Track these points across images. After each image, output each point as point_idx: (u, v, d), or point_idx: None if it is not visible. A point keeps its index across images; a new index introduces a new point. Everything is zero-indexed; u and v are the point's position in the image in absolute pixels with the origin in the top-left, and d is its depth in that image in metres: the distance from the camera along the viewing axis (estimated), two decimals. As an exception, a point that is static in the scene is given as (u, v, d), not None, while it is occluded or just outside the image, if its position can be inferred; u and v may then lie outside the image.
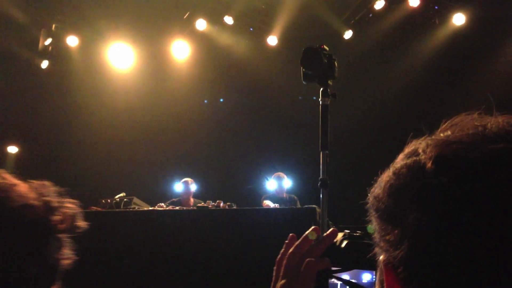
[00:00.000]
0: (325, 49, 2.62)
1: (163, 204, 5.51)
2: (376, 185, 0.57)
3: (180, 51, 8.29)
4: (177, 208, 5.49)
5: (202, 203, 5.35)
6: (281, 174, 6.13)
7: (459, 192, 0.47)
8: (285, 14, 7.60)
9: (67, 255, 0.93)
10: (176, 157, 8.45)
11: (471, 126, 0.52)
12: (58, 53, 8.27)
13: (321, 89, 2.62)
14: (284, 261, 0.82)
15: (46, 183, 0.97)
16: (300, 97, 8.22)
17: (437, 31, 7.53)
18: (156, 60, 8.50)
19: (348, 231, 0.80)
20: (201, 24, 7.86)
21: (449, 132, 0.53)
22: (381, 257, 0.56)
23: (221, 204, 5.12)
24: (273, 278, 0.83)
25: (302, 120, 8.28)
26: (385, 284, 0.55)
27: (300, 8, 7.38)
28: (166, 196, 6.57)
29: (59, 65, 8.42)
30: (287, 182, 6.16)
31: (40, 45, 8.03)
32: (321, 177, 2.62)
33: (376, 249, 0.57)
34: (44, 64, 8.29)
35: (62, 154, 8.26)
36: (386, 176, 0.56)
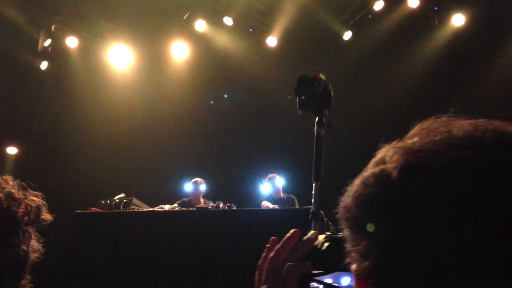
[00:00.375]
0: (321, 78, 2.51)
1: (163, 206, 5.50)
2: (346, 194, 0.56)
3: (180, 51, 8.29)
4: (176, 208, 5.49)
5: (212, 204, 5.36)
6: (272, 174, 6.14)
7: (424, 203, 0.46)
8: (285, 15, 7.60)
9: (35, 248, 0.92)
10: (175, 158, 8.45)
11: (438, 132, 0.51)
12: (57, 54, 8.26)
13: (316, 119, 2.49)
14: (265, 266, 0.81)
15: (8, 177, 0.96)
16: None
17: (437, 31, 7.54)
18: (155, 61, 8.50)
19: (330, 233, 0.79)
20: (201, 25, 7.86)
21: (416, 139, 0.52)
22: (353, 267, 0.55)
23: (221, 205, 5.12)
24: (255, 283, 0.81)
25: (300, 120, 8.27)
26: None
27: (300, 9, 7.38)
28: (166, 196, 6.57)
29: (58, 66, 8.41)
30: (280, 181, 6.17)
31: (40, 46, 8.02)
32: (312, 209, 2.47)
33: (348, 259, 0.56)
34: (44, 65, 8.29)
35: (62, 155, 8.26)
36: (355, 185, 0.55)
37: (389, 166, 0.51)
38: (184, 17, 7.83)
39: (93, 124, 8.52)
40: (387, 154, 0.53)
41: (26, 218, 0.87)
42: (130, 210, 5.25)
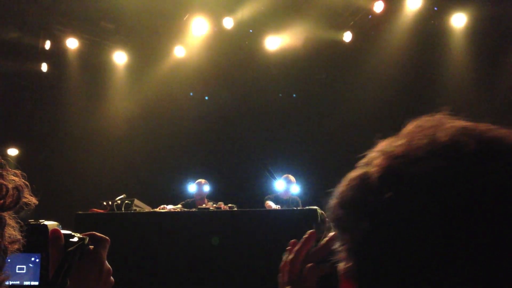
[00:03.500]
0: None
1: (165, 206, 5.52)
2: (334, 193, 0.58)
3: (180, 52, 8.30)
4: (179, 209, 5.50)
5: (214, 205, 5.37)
6: (291, 177, 6.11)
7: (401, 208, 0.47)
8: (284, 15, 7.61)
9: (13, 238, 0.74)
10: (177, 159, 8.46)
11: (423, 135, 0.51)
12: (57, 55, 8.28)
13: None
14: (287, 268, 0.82)
15: None
16: (294, 95, 8.23)
17: (437, 32, 7.54)
18: (155, 61, 8.51)
19: None
20: (201, 26, 7.87)
21: (401, 141, 0.53)
22: (339, 266, 0.56)
23: (222, 206, 5.13)
24: (279, 285, 0.83)
25: (304, 121, 8.28)
26: None
27: (299, 10, 7.39)
28: (168, 197, 6.58)
29: (58, 67, 8.42)
30: (295, 188, 6.16)
31: (40, 47, 8.03)
32: None
33: (337, 258, 0.57)
34: (44, 66, 8.30)
35: (63, 156, 8.27)
36: (341, 186, 0.56)
37: (371, 170, 0.52)
38: (185, 18, 7.84)
39: (94, 125, 8.53)
40: (372, 157, 0.54)
41: (1, 201, 0.71)
42: (132, 211, 5.26)
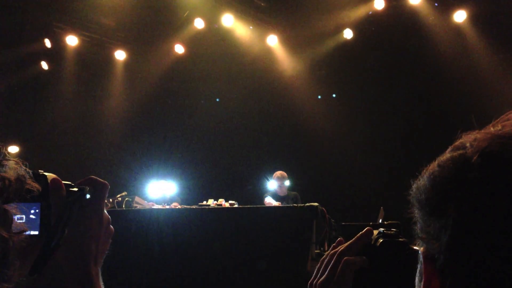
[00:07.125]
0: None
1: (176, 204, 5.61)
2: (420, 177, 0.57)
3: (179, 50, 8.29)
4: (178, 206, 5.51)
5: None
6: (282, 173, 6.08)
7: (504, 187, 0.47)
8: (286, 12, 7.59)
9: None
10: (177, 157, 8.46)
11: None
12: (57, 53, 8.27)
13: None
14: (326, 259, 0.84)
15: None
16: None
17: (438, 28, 7.51)
18: (155, 60, 8.49)
19: (383, 229, 0.81)
20: (200, 23, 7.85)
21: (499, 127, 0.52)
22: (421, 249, 0.56)
23: (223, 203, 5.14)
24: (313, 275, 0.85)
25: (302, 118, 8.27)
26: (423, 276, 0.55)
27: (300, 6, 7.37)
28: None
29: (58, 65, 8.41)
30: (288, 183, 6.11)
31: (40, 45, 8.02)
32: None
33: (417, 241, 0.57)
34: (44, 64, 8.29)
35: (63, 154, 8.27)
36: (430, 168, 0.55)
37: (469, 150, 0.51)
38: (185, 15, 7.82)
39: (94, 122, 8.53)
40: (467, 140, 0.54)
41: (5, 194, 0.67)
42: (133, 208, 5.26)
